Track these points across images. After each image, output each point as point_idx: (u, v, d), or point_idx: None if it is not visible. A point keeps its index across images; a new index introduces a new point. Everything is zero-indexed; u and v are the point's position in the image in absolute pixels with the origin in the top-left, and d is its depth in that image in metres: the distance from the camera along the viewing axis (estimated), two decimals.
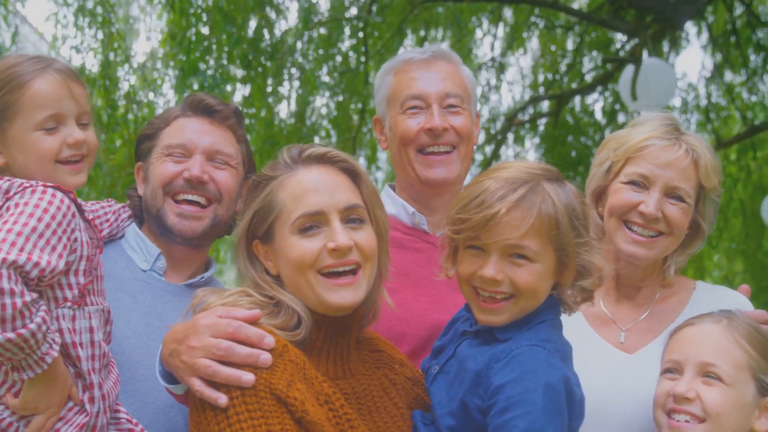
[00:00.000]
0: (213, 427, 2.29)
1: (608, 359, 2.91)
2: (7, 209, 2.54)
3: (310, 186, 2.49)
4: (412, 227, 3.45)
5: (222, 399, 2.29)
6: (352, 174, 2.58)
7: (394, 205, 3.50)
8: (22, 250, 2.42)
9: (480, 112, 12.80)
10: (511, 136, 12.91)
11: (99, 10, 9.32)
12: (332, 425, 2.34)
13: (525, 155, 13.29)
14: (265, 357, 2.32)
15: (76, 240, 2.63)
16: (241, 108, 3.38)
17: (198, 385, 2.34)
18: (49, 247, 2.50)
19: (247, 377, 2.28)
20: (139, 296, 3.11)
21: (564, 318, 2.98)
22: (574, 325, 2.96)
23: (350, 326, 2.56)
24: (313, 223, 2.46)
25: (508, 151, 13.00)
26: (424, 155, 3.39)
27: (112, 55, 9.43)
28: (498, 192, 2.43)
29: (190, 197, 3.15)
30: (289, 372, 2.33)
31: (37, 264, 2.43)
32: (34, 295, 2.44)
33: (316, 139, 11.40)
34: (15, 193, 2.58)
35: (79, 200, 2.74)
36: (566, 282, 2.54)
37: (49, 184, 2.63)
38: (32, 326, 2.40)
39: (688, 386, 2.58)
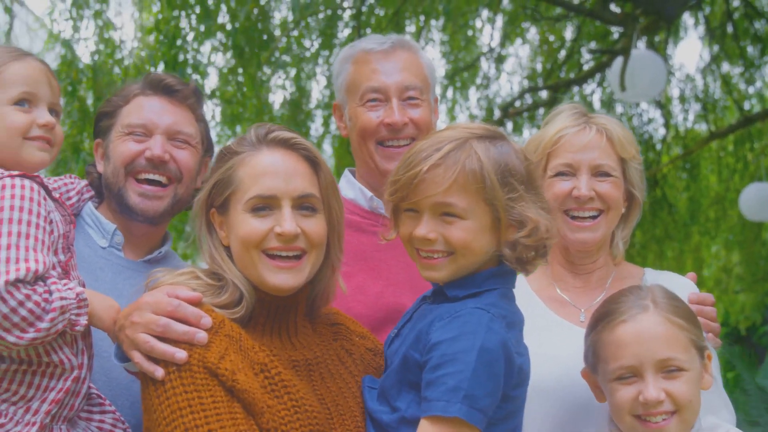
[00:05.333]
0: (154, 401, 2.40)
1: (571, 336, 3.00)
2: None
3: (269, 169, 2.57)
4: (370, 211, 3.51)
5: (159, 372, 2.39)
6: (313, 162, 2.66)
7: (352, 189, 3.58)
8: (17, 261, 2.48)
9: (478, 102, 12.93)
10: (509, 127, 12.95)
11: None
12: (266, 392, 2.44)
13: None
14: (201, 336, 2.41)
15: (51, 222, 2.68)
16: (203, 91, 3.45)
17: (138, 357, 2.45)
18: (39, 244, 2.56)
19: (180, 354, 2.38)
20: (100, 273, 3.15)
21: (524, 302, 3.03)
22: (534, 309, 3.08)
23: (295, 305, 2.66)
24: (265, 204, 2.55)
25: None
26: (385, 147, 3.45)
27: (102, 46, 9.46)
28: (425, 152, 2.50)
29: (151, 177, 3.20)
30: (224, 346, 2.43)
31: (36, 271, 2.49)
32: (39, 286, 2.51)
33: (313, 129, 11.51)
34: None
35: (43, 178, 2.77)
36: (508, 238, 2.53)
37: (14, 173, 2.64)
38: (55, 304, 2.50)
39: (656, 390, 2.58)
